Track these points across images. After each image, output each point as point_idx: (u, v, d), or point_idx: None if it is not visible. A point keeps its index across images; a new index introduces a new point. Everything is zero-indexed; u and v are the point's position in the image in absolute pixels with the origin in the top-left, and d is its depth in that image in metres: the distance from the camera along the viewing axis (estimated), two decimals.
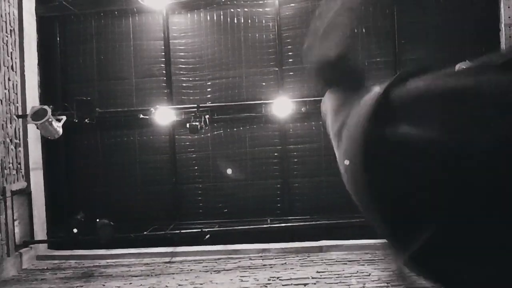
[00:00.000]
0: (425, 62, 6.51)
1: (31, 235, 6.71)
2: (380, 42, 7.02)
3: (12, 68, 6.53)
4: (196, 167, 7.32)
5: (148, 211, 7.20)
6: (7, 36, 6.44)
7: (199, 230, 6.77)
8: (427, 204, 0.74)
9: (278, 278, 5.39)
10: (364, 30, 7.02)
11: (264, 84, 7.20)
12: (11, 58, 6.52)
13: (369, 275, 5.35)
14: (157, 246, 6.80)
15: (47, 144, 7.06)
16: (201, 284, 5.45)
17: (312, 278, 5.28)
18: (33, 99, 6.89)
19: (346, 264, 5.74)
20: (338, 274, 5.30)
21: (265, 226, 6.65)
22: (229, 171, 7.01)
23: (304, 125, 7.17)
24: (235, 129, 7.23)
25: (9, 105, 6.44)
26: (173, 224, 7.04)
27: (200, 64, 7.27)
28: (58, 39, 7.37)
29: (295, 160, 7.21)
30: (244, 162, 7.17)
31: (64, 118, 6.29)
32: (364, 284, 5.11)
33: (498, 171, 0.66)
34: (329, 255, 6.10)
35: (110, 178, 7.32)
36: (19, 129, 6.64)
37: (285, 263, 5.95)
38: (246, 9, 7.19)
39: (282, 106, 6.65)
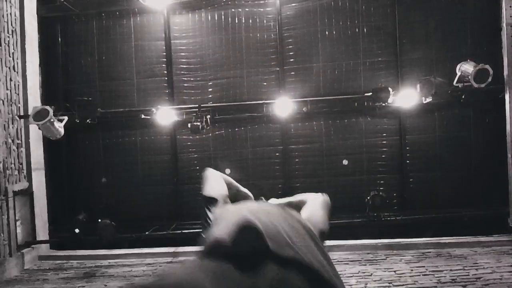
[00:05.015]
0: None
1: (33, 235, 6.72)
2: (381, 42, 7.01)
3: (13, 69, 6.54)
4: (197, 167, 7.31)
5: (150, 211, 7.21)
6: (8, 37, 6.45)
7: (201, 230, 6.76)
8: None
9: None
10: (365, 30, 7.02)
11: (265, 84, 7.20)
12: (13, 59, 6.53)
13: (370, 275, 5.34)
14: (159, 246, 6.81)
15: (49, 144, 7.08)
16: None
17: None
18: (34, 100, 6.90)
19: (347, 264, 5.74)
20: (340, 274, 5.29)
21: None
22: (230, 171, 7.00)
23: (305, 125, 7.17)
24: (236, 129, 7.23)
25: (11, 105, 6.46)
26: (175, 224, 7.05)
27: (201, 64, 7.28)
28: (59, 39, 7.38)
29: (297, 160, 7.20)
30: (246, 162, 7.17)
31: (65, 118, 6.30)
32: (366, 284, 5.10)
33: None
34: (331, 255, 6.09)
35: (111, 178, 7.33)
36: (21, 129, 6.65)
37: None
38: (247, 9, 7.20)
39: (283, 106, 6.65)
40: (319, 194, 1.80)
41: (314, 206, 1.71)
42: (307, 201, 1.82)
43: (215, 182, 1.86)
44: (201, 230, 1.62)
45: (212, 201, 1.69)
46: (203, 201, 1.72)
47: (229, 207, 1.56)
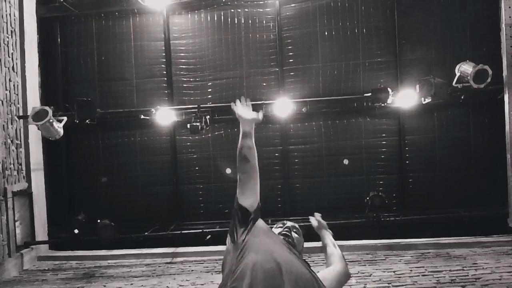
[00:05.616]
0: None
1: (32, 235, 6.71)
2: (381, 43, 7.01)
3: (13, 69, 6.54)
4: (197, 168, 7.32)
5: (149, 211, 7.21)
6: (8, 37, 6.45)
7: (200, 230, 6.77)
8: None
9: None
10: (364, 30, 7.02)
11: (264, 84, 7.20)
12: (12, 59, 6.53)
13: (370, 276, 5.34)
14: (158, 247, 6.81)
15: (48, 145, 7.07)
16: (202, 284, 5.45)
17: None
18: (34, 100, 6.90)
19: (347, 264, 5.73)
20: None
21: None
22: (230, 171, 7.00)
23: (304, 125, 7.18)
24: (235, 130, 7.22)
25: (10, 106, 6.45)
26: (174, 224, 7.05)
27: (200, 65, 7.28)
28: (59, 40, 7.38)
29: (296, 160, 7.21)
30: None
31: (65, 118, 6.30)
32: (365, 284, 5.10)
33: None
34: None
35: (111, 178, 7.33)
36: (20, 130, 6.65)
37: None
38: (246, 10, 7.20)
39: (283, 106, 6.64)
40: (345, 265, 2.07)
41: (333, 276, 1.93)
42: (333, 261, 2.07)
43: (251, 192, 1.90)
44: (228, 230, 1.83)
45: (244, 211, 1.82)
46: (236, 206, 1.85)
47: (259, 245, 1.71)
